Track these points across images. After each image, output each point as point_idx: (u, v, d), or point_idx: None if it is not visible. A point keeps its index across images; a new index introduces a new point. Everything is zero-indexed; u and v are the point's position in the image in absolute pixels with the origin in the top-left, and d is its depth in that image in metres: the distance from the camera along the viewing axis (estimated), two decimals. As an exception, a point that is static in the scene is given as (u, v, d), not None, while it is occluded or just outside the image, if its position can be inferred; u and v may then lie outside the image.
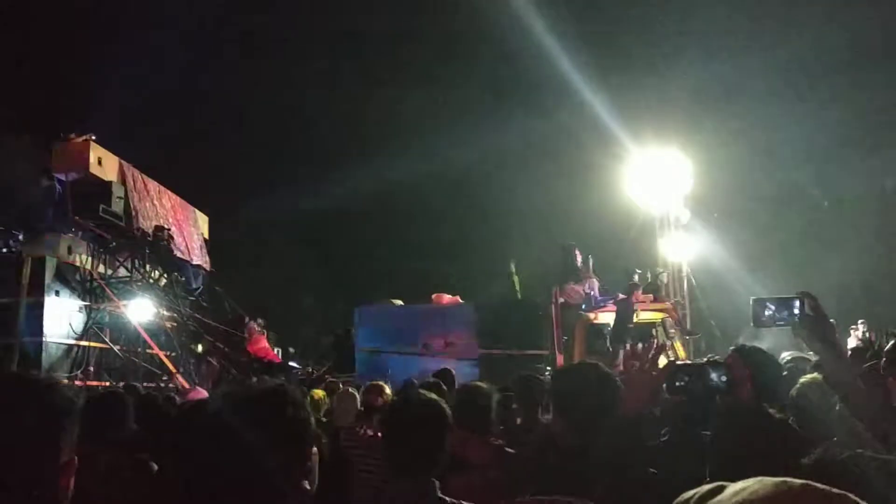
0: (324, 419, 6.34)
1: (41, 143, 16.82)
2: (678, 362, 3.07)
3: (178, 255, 18.53)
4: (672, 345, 12.01)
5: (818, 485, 0.81)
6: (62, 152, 16.34)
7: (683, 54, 25.81)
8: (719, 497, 0.84)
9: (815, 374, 3.82)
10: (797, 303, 3.01)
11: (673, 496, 1.06)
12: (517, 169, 27.23)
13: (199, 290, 18.96)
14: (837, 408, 3.00)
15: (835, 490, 0.81)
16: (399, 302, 15.55)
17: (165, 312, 17.16)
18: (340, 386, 7.46)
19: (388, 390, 5.59)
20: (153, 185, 18.76)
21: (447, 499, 2.61)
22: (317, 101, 28.25)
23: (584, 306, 13.43)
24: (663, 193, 16.19)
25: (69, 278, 15.53)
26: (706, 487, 0.90)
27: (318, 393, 7.21)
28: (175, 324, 17.47)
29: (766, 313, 2.94)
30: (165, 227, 18.23)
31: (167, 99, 23.04)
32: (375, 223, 28.37)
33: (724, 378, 2.85)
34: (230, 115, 27.29)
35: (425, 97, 26.76)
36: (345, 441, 5.18)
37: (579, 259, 14.44)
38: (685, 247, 16.40)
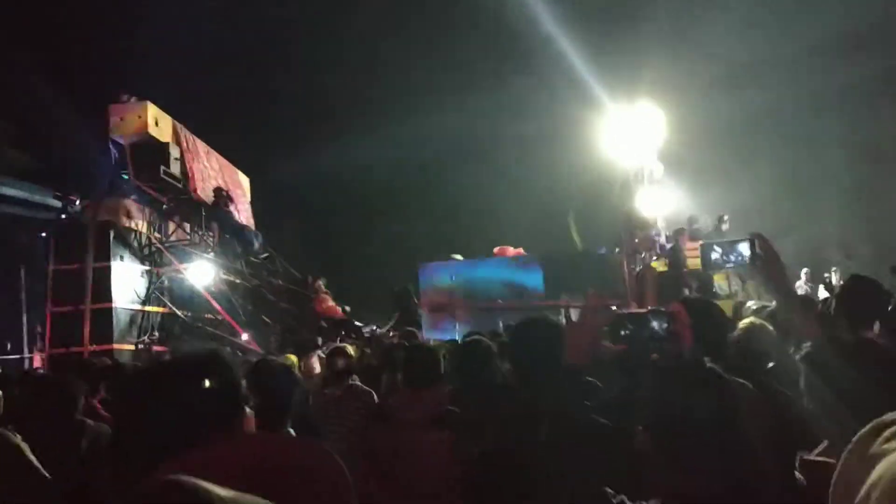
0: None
1: (94, 106, 17.50)
2: (623, 311, 3.25)
3: (237, 216, 19.24)
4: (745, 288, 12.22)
5: None
6: (119, 115, 16.84)
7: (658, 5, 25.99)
8: None
9: (753, 319, 3.97)
10: (747, 245, 3.11)
11: (615, 444, 1.26)
12: (495, 130, 27.50)
13: (262, 253, 19.54)
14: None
15: None
16: (459, 257, 15.82)
17: (227, 275, 17.76)
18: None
19: (350, 351, 6.03)
20: (202, 145, 19.39)
21: None
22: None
23: (651, 255, 13.68)
24: (637, 148, 16.60)
25: (130, 243, 16.16)
26: None
27: (291, 357, 7.75)
28: (242, 286, 18.15)
29: (714, 256, 3.09)
30: (223, 188, 18.93)
31: (195, 58, 23.88)
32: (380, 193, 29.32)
33: (665, 327, 3.04)
34: (254, 77, 28.12)
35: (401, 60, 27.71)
36: (314, 404, 5.59)
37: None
38: (659, 202, 16.86)
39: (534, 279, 14.36)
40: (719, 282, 13.22)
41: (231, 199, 18.99)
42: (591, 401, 3.05)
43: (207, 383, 1.88)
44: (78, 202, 15.99)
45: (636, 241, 14.13)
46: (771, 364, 3.66)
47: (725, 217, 15.79)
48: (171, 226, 17.84)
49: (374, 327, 15.37)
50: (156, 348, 15.54)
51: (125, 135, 16.82)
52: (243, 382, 2.05)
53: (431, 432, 3.73)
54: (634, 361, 3.08)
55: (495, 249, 15.71)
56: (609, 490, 2.27)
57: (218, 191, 18.65)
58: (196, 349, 2.21)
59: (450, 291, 14.78)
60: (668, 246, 14.11)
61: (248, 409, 2.13)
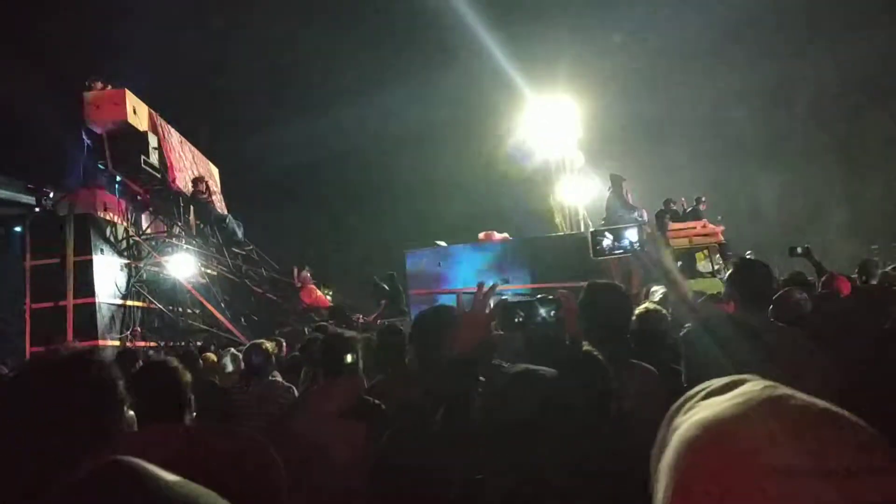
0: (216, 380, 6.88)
1: (60, 93, 17.55)
2: (511, 299, 3.39)
3: (221, 207, 19.35)
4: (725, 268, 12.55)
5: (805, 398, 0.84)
6: (96, 102, 16.61)
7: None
8: (723, 396, 0.88)
9: (648, 304, 4.15)
10: (635, 231, 3.25)
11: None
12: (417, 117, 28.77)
13: (246, 243, 19.68)
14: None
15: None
16: (442, 243, 15.90)
17: (209, 267, 17.87)
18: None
19: (268, 346, 6.14)
20: (176, 135, 19.28)
21: None
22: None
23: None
24: (557, 138, 17.68)
25: (109, 236, 16.12)
26: (721, 381, 0.91)
27: (211, 356, 7.97)
28: (225, 277, 18.22)
29: (605, 243, 3.24)
30: (203, 178, 18.96)
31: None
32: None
33: (552, 313, 3.19)
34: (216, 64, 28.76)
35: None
36: (235, 399, 5.78)
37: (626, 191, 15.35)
38: (581, 190, 17.85)
39: (520, 262, 14.55)
40: (701, 261, 13.54)
41: (209, 190, 19.03)
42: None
43: (73, 384, 1.92)
44: (52, 194, 15.94)
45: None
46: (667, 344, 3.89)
47: (703, 198, 16.40)
48: (149, 217, 17.88)
49: (360, 316, 15.52)
50: (138, 343, 15.47)
51: (101, 123, 16.60)
52: (120, 383, 2.06)
53: (347, 423, 3.85)
54: (528, 348, 3.25)
55: (481, 235, 15.84)
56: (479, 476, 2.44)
57: (198, 180, 18.67)
58: (67, 351, 2.13)
59: (437, 277, 14.96)
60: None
61: (129, 411, 2.23)
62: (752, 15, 27.15)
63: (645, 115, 27.46)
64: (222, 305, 17.22)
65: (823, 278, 6.88)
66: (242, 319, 17.22)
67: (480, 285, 3.24)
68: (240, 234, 19.32)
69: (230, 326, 16.38)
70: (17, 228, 16.25)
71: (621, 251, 3.55)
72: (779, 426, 0.78)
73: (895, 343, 4.07)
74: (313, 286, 18.18)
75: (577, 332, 3.24)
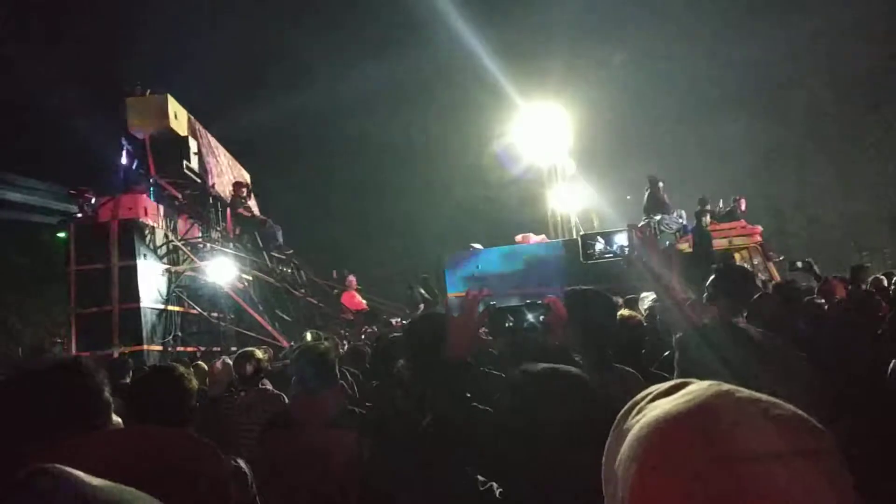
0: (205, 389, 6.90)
1: (99, 99, 17.90)
2: (498, 305, 3.40)
3: (256, 211, 19.45)
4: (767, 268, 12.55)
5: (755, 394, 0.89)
6: (138, 107, 16.92)
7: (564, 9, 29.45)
8: (671, 396, 0.92)
9: (623, 311, 4.15)
10: (624, 235, 3.24)
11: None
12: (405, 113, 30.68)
13: (286, 248, 19.74)
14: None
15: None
16: (478, 246, 15.93)
17: (249, 271, 17.99)
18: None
19: (259, 354, 6.18)
20: (212, 139, 19.48)
21: None
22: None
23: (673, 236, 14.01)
24: (549, 146, 17.96)
25: (151, 240, 16.27)
26: (668, 384, 0.95)
27: (202, 365, 8.07)
28: (264, 281, 18.33)
29: (597, 247, 3.22)
30: (243, 183, 19.16)
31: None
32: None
33: (541, 319, 3.20)
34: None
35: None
36: (224, 408, 5.83)
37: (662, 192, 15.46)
38: (573, 197, 18.23)
39: (556, 264, 14.49)
40: (739, 261, 13.48)
41: (250, 194, 19.22)
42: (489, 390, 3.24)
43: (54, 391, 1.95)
44: (93, 200, 16.05)
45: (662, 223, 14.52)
46: (643, 351, 3.90)
47: (741, 199, 16.33)
48: (187, 222, 17.99)
49: (398, 320, 15.56)
50: (179, 348, 15.69)
51: (144, 128, 16.86)
52: (105, 391, 2.10)
53: (331, 432, 3.89)
54: (513, 354, 3.26)
55: (518, 237, 15.85)
56: (480, 477, 2.46)
57: (238, 185, 18.88)
58: (52, 359, 2.28)
59: (474, 280, 14.95)
60: (690, 227, 14.35)
61: (115, 418, 2.27)
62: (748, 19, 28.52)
63: (637, 123, 28.79)
64: (260, 308, 17.28)
65: (820, 283, 6.94)
66: (277, 324, 17.24)
67: (468, 291, 3.25)
68: (280, 238, 19.36)
69: (272, 331, 16.42)
70: (61, 234, 16.27)
71: (611, 255, 3.58)
72: (727, 417, 0.82)
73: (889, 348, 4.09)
74: (355, 291, 18.29)
75: (564, 336, 3.25)
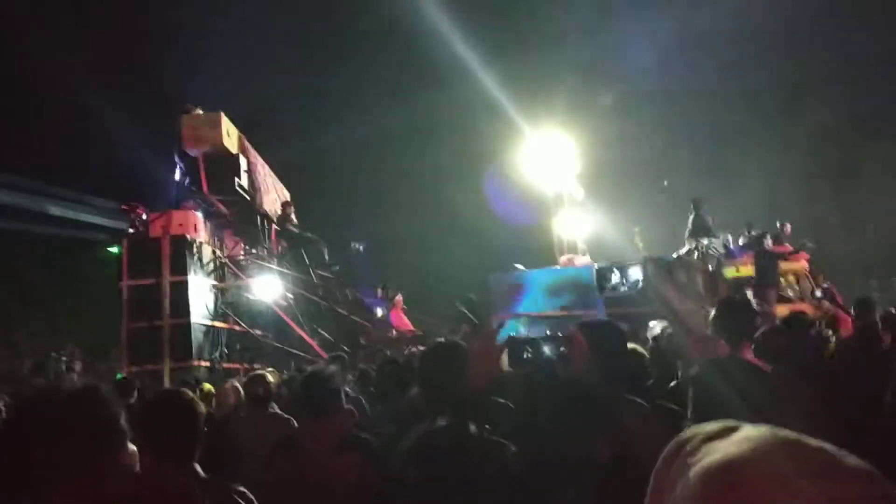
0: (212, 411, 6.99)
1: (156, 117, 18.28)
2: (515, 336, 3.41)
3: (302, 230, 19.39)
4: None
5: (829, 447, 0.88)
6: (192, 125, 17.21)
7: (570, 39, 30.08)
8: (727, 439, 0.91)
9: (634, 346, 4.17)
10: (639, 269, 3.25)
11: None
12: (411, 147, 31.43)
13: (333, 265, 19.83)
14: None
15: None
16: (521, 266, 15.88)
17: (295, 289, 18.15)
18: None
19: (270, 378, 6.16)
20: (258, 156, 19.70)
21: None
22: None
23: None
24: (556, 172, 18.05)
25: (200, 257, 16.57)
26: (717, 425, 0.95)
27: (207, 386, 8.18)
28: (310, 299, 18.48)
29: (614, 279, 3.24)
30: (289, 201, 19.37)
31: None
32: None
33: (560, 351, 3.21)
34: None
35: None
36: (232, 430, 5.80)
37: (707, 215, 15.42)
38: (581, 224, 18.38)
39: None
40: (789, 283, 13.47)
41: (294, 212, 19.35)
42: (501, 421, 3.26)
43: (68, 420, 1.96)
44: (144, 216, 16.39)
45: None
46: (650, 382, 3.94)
47: (788, 225, 16.08)
48: (232, 238, 18.37)
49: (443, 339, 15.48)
50: (225, 365, 15.89)
51: (199, 145, 17.16)
52: (121, 419, 2.10)
53: (338, 457, 3.91)
54: (526, 385, 3.28)
55: (563, 259, 15.81)
56: None
57: (286, 204, 19.12)
58: (69, 385, 2.27)
59: (517, 301, 14.94)
60: (740, 251, 14.34)
61: (131, 446, 2.31)
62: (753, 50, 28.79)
63: (644, 150, 28.88)
64: (316, 328, 17.49)
65: (825, 318, 6.85)
66: (315, 340, 17.32)
67: (492, 319, 3.29)
68: (326, 255, 19.50)
69: (317, 348, 16.53)
70: (111, 249, 16.81)
71: (626, 287, 3.59)
72: (795, 468, 0.82)
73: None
74: (402, 310, 18.34)
75: (582, 369, 3.26)
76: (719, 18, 26.63)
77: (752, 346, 4.06)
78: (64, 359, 19.58)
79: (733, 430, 0.92)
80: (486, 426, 3.12)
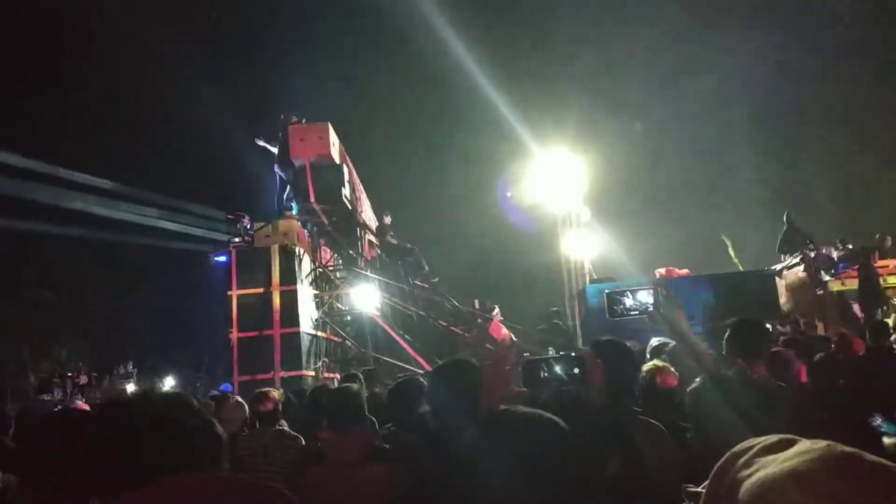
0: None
1: (258, 128, 18.63)
2: (531, 357, 3.47)
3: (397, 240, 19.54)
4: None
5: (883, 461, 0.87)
6: (300, 136, 17.57)
7: (579, 61, 30.87)
8: (784, 453, 0.91)
9: (656, 361, 4.08)
10: (649, 293, 3.30)
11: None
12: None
13: (432, 276, 19.80)
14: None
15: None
16: (614, 279, 15.52)
17: (393, 299, 18.25)
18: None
19: (275, 394, 6.18)
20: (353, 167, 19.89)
21: None
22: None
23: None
24: (563, 193, 17.89)
25: (304, 266, 16.87)
26: (774, 438, 0.96)
27: (210, 403, 7.81)
28: (407, 309, 18.50)
29: (627, 303, 3.29)
30: (387, 211, 19.54)
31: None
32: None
33: (574, 371, 3.29)
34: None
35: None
36: (241, 449, 5.76)
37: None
38: (587, 244, 18.37)
39: (699, 299, 14.22)
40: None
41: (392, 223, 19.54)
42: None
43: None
44: (249, 226, 16.88)
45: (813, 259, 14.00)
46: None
47: (888, 237, 15.37)
48: (331, 249, 18.63)
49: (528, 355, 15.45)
50: (326, 375, 16.04)
51: (306, 156, 17.50)
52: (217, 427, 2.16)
53: (366, 468, 4.03)
54: (550, 402, 3.36)
55: (661, 271, 15.54)
56: None
57: (386, 215, 19.41)
58: (159, 394, 2.29)
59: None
60: (842, 265, 13.91)
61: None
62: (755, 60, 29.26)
63: (652, 171, 29.53)
64: (407, 337, 17.47)
65: (836, 338, 6.66)
66: (411, 350, 17.31)
67: (505, 339, 3.40)
68: (425, 265, 19.56)
69: (416, 356, 16.59)
70: (218, 259, 17.11)
71: (637, 312, 3.59)
72: (854, 484, 0.83)
73: None
74: (501, 322, 18.33)
75: (601, 390, 3.32)
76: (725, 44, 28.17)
77: (757, 365, 4.01)
78: (70, 374, 20.37)
79: (791, 443, 0.93)
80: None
